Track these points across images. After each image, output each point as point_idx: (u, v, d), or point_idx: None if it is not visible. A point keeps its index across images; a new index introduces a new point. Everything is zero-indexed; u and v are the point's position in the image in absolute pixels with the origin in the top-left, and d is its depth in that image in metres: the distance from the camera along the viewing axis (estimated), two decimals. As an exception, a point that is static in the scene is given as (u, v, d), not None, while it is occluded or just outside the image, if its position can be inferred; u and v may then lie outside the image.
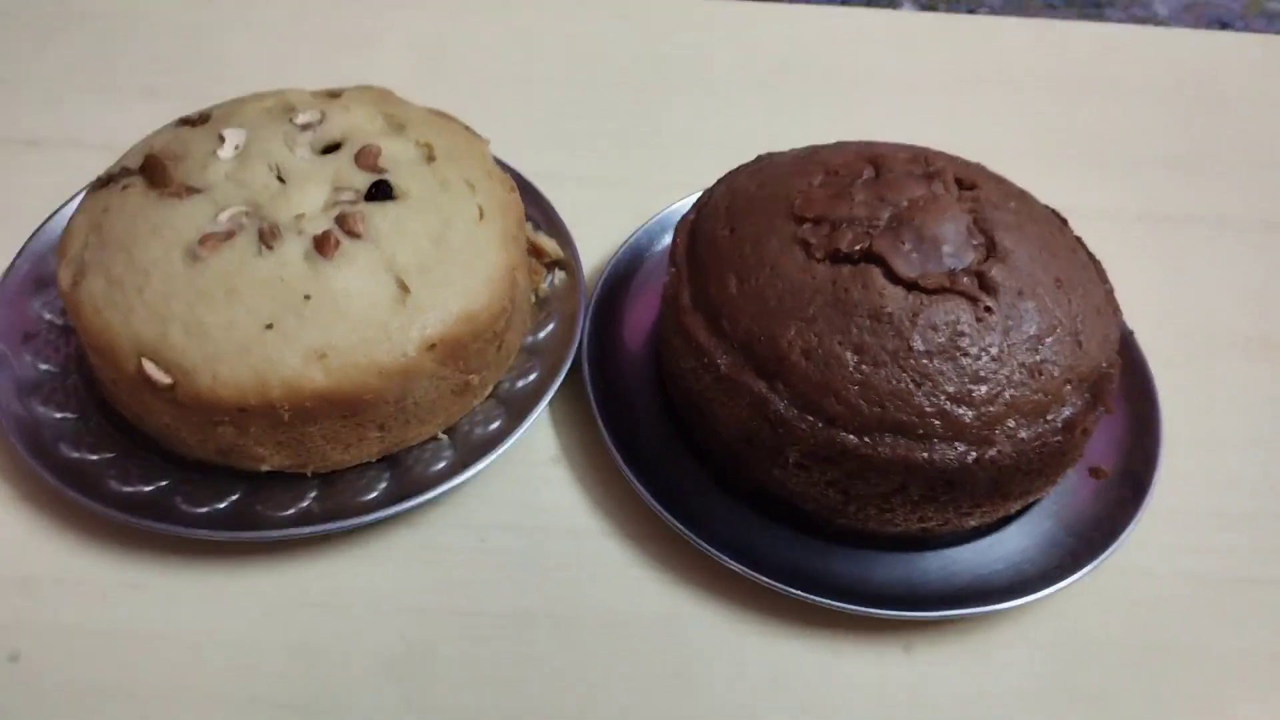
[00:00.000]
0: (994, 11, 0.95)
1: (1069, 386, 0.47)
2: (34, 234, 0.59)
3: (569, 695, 0.47)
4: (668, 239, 0.61)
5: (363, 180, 0.51)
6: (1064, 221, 0.54)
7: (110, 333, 0.47)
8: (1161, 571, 0.52)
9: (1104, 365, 0.48)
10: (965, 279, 0.47)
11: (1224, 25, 0.95)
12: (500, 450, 0.51)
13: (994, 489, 0.46)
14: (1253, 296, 0.67)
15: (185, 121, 0.55)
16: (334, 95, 0.57)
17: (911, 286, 0.46)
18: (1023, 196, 0.53)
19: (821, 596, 0.47)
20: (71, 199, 0.60)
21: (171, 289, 0.46)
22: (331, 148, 0.53)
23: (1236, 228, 0.71)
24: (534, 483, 0.54)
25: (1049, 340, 0.46)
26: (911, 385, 0.45)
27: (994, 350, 0.46)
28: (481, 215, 0.52)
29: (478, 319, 0.49)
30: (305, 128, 0.54)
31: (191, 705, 0.46)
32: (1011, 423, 0.45)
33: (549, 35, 0.82)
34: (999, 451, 0.45)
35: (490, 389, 0.54)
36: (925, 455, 0.45)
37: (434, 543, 0.51)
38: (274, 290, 0.47)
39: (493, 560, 0.51)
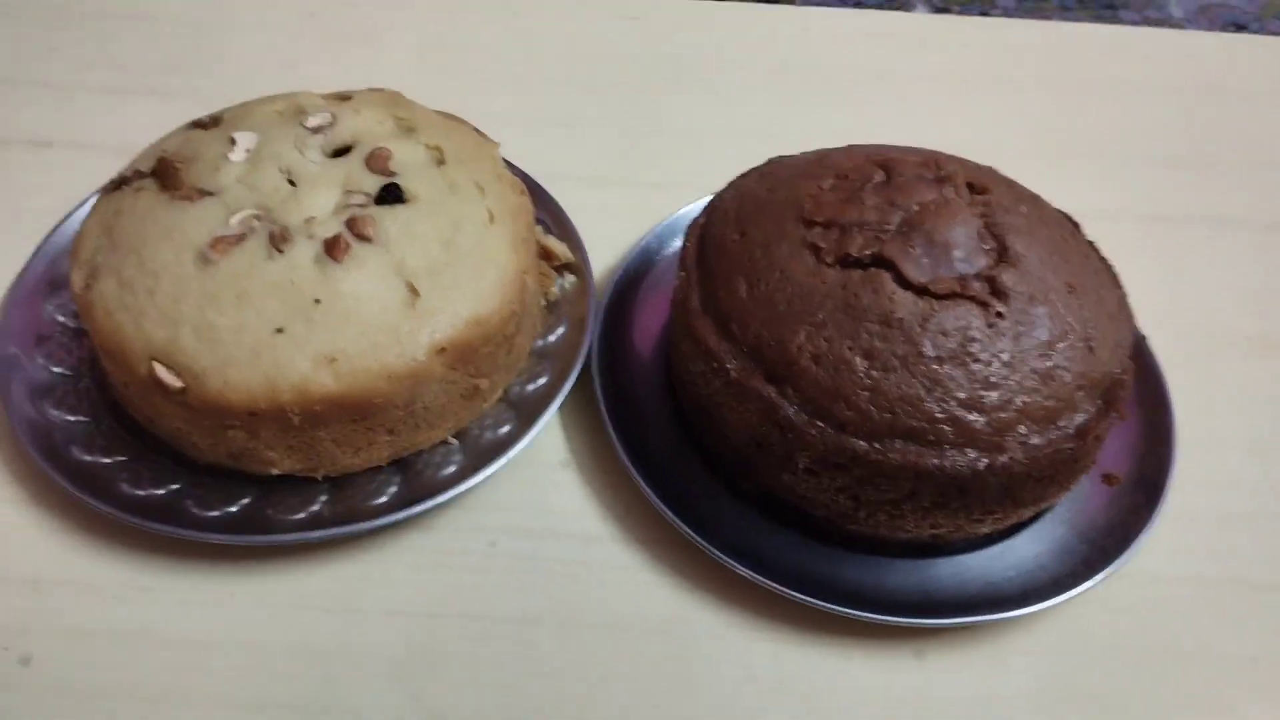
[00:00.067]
0: (1007, 13, 0.95)
1: (1081, 393, 0.46)
2: (48, 236, 0.59)
3: (577, 700, 0.47)
4: (678, 242, 0.61)
5: (373, 183, 0.51)
6: (1076, 225, 0.54)
7: (121, 335, 0.47)
8: (1170, 576, 0.52)
9: (1117, 371, 0.48)
10: (976, 284, 0.47)
11: (1239, 27, 0.95)
12: (510, 454, 0.51)
13: (1005, 496, 0.46)
14: (1266, 297, 0.66)
15: (197, 124, 0.55)
16: (345, 98, 0.57)
17: (922, 291, 0.46)
18: (1035, 201, 0.53)
19: (833, 603, 0.47)
20: (85, 201, 0.61)
21: (182, 292, 0.47)
22: (342, 151, 0.53)
23: (1250, 228, 0.71)
24: (543, 487, 0.54)
25: (1061, 346, 0.46)
26: (922, 391, 0.45)
27: (1005, 356, 0.45)
28: (491, 219, 0.52)
29: (488, 323, 0.49)
30: (316, 130, 0.54)
31: (201, 707, 0.46)
32: (1023, 429, 0.45)
33: (559, 35, 0.82)
34: (1010, 458, 0.45)
35: (500, 393, 0.54)
36: (936, 462, 0.44)
37: (443, 546, 0.51)
38: (284, 294, 0.47)
39: (501, 564, 0.51)
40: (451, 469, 0.51)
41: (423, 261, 0.49)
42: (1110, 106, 0.79)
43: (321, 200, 0.50)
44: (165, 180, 0.51)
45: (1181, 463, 0.53)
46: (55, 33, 0.78)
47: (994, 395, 0.45)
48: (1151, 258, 0.68)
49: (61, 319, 0.56)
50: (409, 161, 0.53)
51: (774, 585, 0.48)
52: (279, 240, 0.48)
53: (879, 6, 0.89)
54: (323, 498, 0.50)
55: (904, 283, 0.46)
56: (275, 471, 0.49)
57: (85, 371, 0.54)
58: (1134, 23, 0.93)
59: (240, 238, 0.48)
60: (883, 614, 0.47)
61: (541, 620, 0.49)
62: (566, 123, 0.75)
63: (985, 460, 0.44)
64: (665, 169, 0.72)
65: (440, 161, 0.54)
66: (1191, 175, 0.74)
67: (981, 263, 0.48)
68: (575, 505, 0.53)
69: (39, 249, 0.58)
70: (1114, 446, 0.52)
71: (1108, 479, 0.52)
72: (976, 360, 0.45)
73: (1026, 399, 0.45)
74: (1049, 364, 0.46)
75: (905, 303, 0.46)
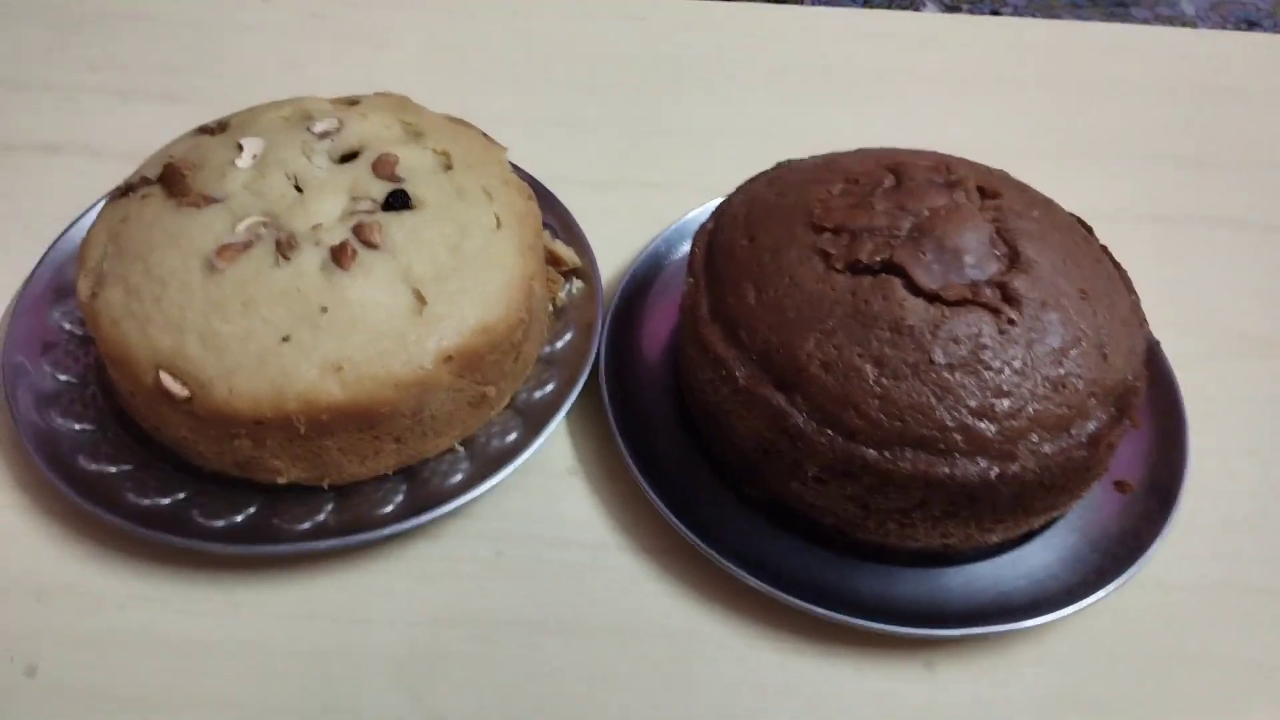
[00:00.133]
0: (1018, 11, 0.94)
1: (1094, 400, 0.46)
2: (54, 242, 0.59)
3: (583, 709, 0.47)
4: (687, 246, 0.61)
5: (380, 189, 0.51)
6: (1089, 230, 0.53)
7: (128, 344, 0.47)
8: (1181, 583, 0.52)
9: (1130, 378, 0.47)
10: (988, 290, 0.46)
11: (1252, 24, 0.94)
12: (517, 462, 0.51)
13: (1016, 505, 0.46)
14: (1273, 298, 0.66)
15: (204, 130, 0.55)
16: (352, 103, 0.56)
17: (933, 298, 0.46)
18: (1047, 205, 0.52)
19: (841, 613, 0.47)
20: (91, 207, 0.61)
21: (188, 299, 0.46)
22: (349, 156, 0.53)
23: (1260, 229, 0.70)
24: (550, 494, 0.53)
25: (1073, 353, 0.46)
26: (933, 399, 0.44)
27: (1017, 363, 0.45)
28: (499, 224, 0.52)
29: (495, 330, 0.49)
30: (323, 136, 0.53)
31: (207, 716, 0.46)
32: (1035, 437, 0.45)
33: (563, 36, 0.81)
34: (1022, 467, 0.44)
35: (507, 400, 0.54)
36: (947, 470, 0.44)
37: (450, 555, 0.51)
38: (291, 301, 0.46)
39: (508, 572, 0.51)
40: (458, 477, 0.51)
41: (430, 268, 0.49)
42: (1119, 106, 0.79)
43: (328, 206, 0.50)
44: (172, 187, 0.51)
45: (1195, 469, 0.53)
46: (59, 34, 0.78)
47: (1005, 403, 0.44)
48: (1160, 258, 0.67)
49: (68, 326, 0.56)
50: (416, 167, 0.52)
51: (782, 595, 0.47)
52: (286, 247, 0.47)
53: (886, 6, 0.88)
54: (329, 507, 0.50)
55: (915, 289, 0.46)
56: (281, 480, 0.49)
57: (91, 379, 0.54)
58: (1145, 20, 0.93)
59: (247, 245, 0.48)
60: (892, 624, 0.47)
61: (548, 628, 0.49)
62: (571, 124, 0.75)
63: (996, 469, 0.44)
64: (671, 170, 0.71)
65: (447, 166, 0.53)
66: (1201, 175, 0.74)
67: (993, 269, 0.47)
68: (582, 513, 0.53)
69: (45, 255, 0.58)
70: (1126, 453, 0.52)
71: (1120, 486, 0.52)
72: (988, 368, 0.45)
73: (1038, 407, 0.45)
74: (1061, 371, 0.45)
75: (916, 309, 0.45)
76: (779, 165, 0.57)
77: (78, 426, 0.52)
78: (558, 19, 0.83)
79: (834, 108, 0.77)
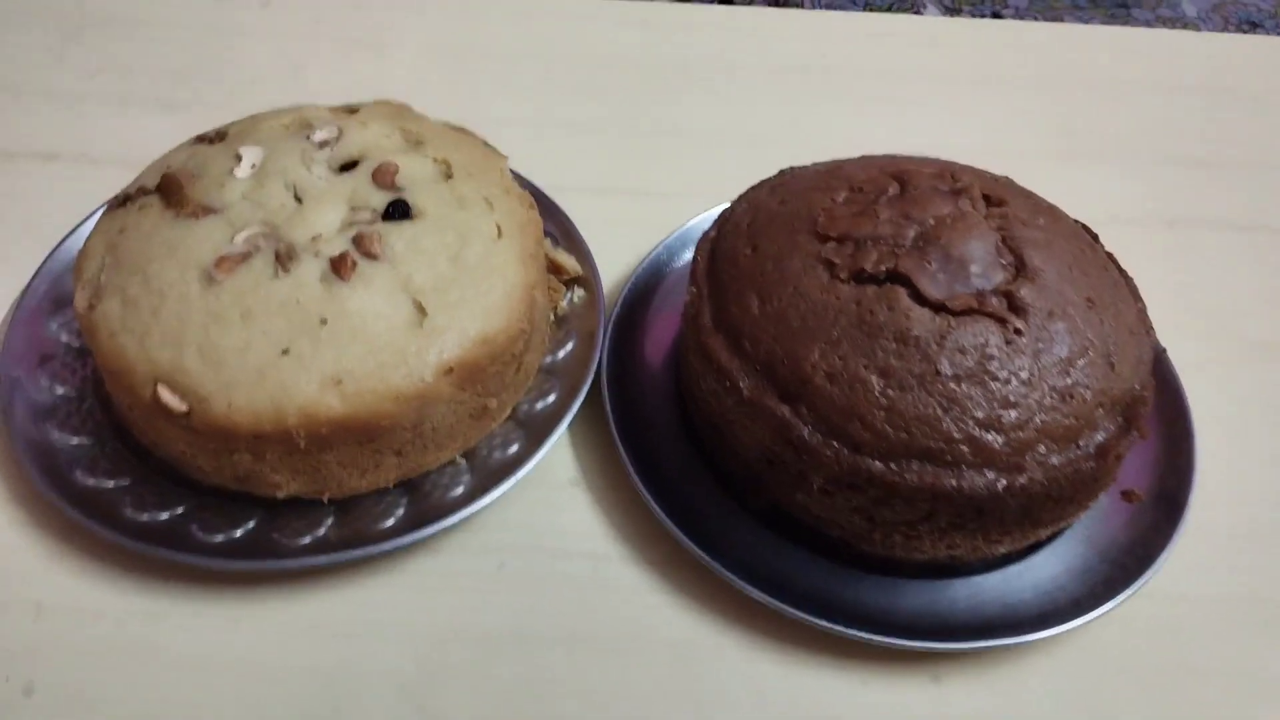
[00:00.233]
0: (1019, 14, 0.94)
1: (1101, 410, 0.45)
2: (52, 251, 0.59)
3: (588, 723, 0.46)
4: (689, 254, 0.60)
5: (380, 199, 0.50)
6: (1095, 237, 0.53)
7: (126, 357, 0.46)
8: (1190, 593, 0.51)
9: (1137, 387, 0.47)
10: (994, 300, 0.46)
11: (1253, 25, 0.93)
12: (519, 475, 0.50)
13: (1024, 517, 0.45)
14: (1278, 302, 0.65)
15: (202, 139, 0.55)
16: (352, 111, 0.56)
17: (938, 308, 0.45)
18: (1052, 212, 0.52)
19: (848, 627, 0.46)
20: (89, 217, 0.60)
21: (187, 312, 0.46)
22: (349, 165, 0.52)
23: (1268, 232, 0.70)
24: (552, 506, 0.53)
25: (1080, 363, 0.45)
26: (939, 410, 0.44)
27: (1024, 374, 0.44)
28: (500, 233, 0.51)
29: (496, 341, 0.49)
30: (322, 145, 0.53)
31: (208, 734, 0.45)
32: (1042, 449, 0.44)
33: (566, 44, 0.81)
34: (1029, 479, 0.44)
35: (509, 411, 0.54)
36: (953, 483, 0.44)
37: (451, 568, 0.51)
38: (290, 313, 0.46)
39: (511, 585, 0.50)
40: (459, 490, 0.50)
41: (430, 278, 0.48)
42: (1120, 108, 0.78)
43: (328, 217, 0.50)
44: (170, 197, 0.50)
45: (1203, 477, 0.52)
46: (60, 41, 0.78)
47: (1012, 414, 0.44)
48: (1164, 262, 0.67)
49: (65, 338, 0.55)
50: (416, 176, 0.52)
51: (786, 607, 0.47)
52: (285, 258, 0.47)
53: (887, 8, 0.88)
54: (329, 521, 0.49)
55: (920, 299, 0.46)
56: (281, 494, 0.48)
57: (89, 392, 0.53)
58: (1147, 21, 0.92)
59: (245, 256, 0.47)
60: (898, 638, 0.46)
61: (551, 640, 0.48)
62: (571, 130, 0.74)
63: (1004, 481, 0.44)
64: (672, 177, 0.71)
65: (448, 175, 0.53)
66: (1204, 178, 0.73)
67: (999, 278, 0.47)
68: (585, 525, 0.52)
69: (42, 265, 0.58)
70: (1134, 462, 0.51)
71: (1127, 496, 0.51)
72: (994, 378, 0.44)
73: (1046, 418, 0.44)
74: (1068, 381, 0.45)
75: (922, 320, 0.45)
76: (782, 172, 0.56)
77: (75, 440, 0.51)
78: (558, 23, 0.82)
79: (836, 111, 0.77)
